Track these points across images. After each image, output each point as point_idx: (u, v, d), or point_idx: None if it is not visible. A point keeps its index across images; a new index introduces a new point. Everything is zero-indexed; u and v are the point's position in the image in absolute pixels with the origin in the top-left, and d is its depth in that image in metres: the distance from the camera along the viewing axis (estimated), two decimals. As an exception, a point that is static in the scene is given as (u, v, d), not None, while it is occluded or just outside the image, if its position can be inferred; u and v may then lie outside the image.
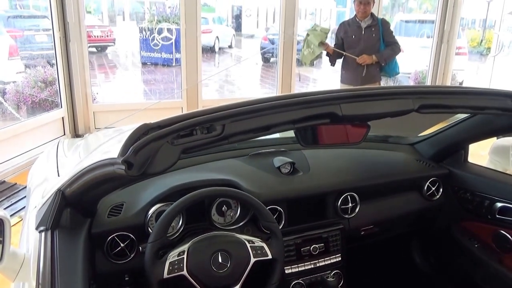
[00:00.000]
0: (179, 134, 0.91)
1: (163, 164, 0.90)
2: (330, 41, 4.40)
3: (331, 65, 4.31)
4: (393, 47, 4.05)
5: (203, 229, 1.44)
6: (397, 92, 1.13)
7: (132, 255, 1.34)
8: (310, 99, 1.02)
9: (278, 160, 1.69)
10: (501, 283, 1.73)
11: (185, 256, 1.23)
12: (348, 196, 1.66)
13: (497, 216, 1.70)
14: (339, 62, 4.25)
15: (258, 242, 1.32)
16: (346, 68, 4.18)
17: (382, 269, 2.35)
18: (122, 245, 1.32)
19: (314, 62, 4.13)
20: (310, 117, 1.02)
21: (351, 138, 1.25)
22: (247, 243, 1.30)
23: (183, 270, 1.21)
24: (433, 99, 1.15)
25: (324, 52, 4.22)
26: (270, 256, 1.31)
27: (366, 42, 4.00)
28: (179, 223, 1.41)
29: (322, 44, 4.13)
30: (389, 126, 1.93)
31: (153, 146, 0.88)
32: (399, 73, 4.24)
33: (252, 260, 1.28)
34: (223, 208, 1.48)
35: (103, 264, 1.31)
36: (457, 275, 1.98)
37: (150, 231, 1.33)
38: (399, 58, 4.17)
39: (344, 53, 4.08)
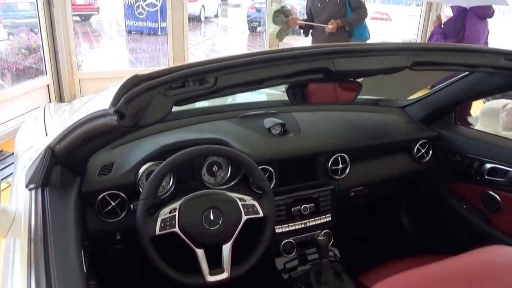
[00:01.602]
0: (171, 85, 0.89)
1: (156, 115, 0.88)
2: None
3: (305, 36, 4.37)
4: (359, 12, 4.04)
5: (194, 188, 1.44)
6: (391, 48, 1.12)
7: (123, 214, 1.34)
8: (303, 53, 1.01)
9: (268, 121, 1.68)
10: (488, 243, 1.76)
11: (176, 213, 1.24)
12: (339, 157, 1.67)
13: (486, 177, 1.72)
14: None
15: (250, 200, 1.33)
16: (314, 36, 4.26)
17: (370, 231, 2.39)
18: (113, 203, 1.32)
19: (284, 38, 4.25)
20: (303, 72, 1.01)
21: (343, 96, 1.24)
22: (238, 201, 1.31)
23: (175, 227, 1.22)
24: (427, 56, 1.14)
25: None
26: (261, 214, 1.32)
27: (331, 9, 4.01)
28: (169, 182, 1.41)
29: (286, 23, 4.21)
30: (379, 88, 1.94)
31: (145, 96, 0.86)
32: (369, 37, 4.24)
33: (244, 217, 1.29)
34: (214, 168, 1.47)
35: (94, 223, 1.31)
36: (444, 236, 2.02)
37: (141, 189, 1.33)
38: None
39: (312, 23, 4.14)
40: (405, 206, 2.22)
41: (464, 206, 1.85)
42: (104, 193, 1.30)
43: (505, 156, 1.66)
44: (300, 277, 1.57)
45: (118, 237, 1.38)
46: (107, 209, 1.32)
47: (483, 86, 1.59)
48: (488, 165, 1.72)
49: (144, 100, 0.86)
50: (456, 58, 1.18)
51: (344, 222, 1.74)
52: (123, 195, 1.33)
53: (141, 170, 1.34)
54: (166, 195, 1.40)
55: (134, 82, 0.87)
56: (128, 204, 1.34)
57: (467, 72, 1.62)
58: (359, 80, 1.22)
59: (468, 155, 1.79)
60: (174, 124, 1.59)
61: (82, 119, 0.99)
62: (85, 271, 1.00)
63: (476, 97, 1.77)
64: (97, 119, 0.93)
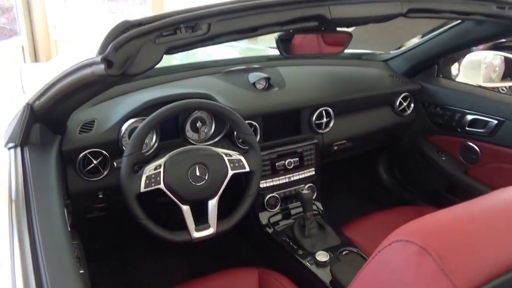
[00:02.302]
0: (162, 32, 0.86)
1: (145, 64, 0.85)
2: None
3: None
4: None
5: (178, 145, 1.42)
6: None
7: (105, 172, 1.32)
8: None
9: (253, 76, 1.66)
10: (465, 193, 1.82)
11: (161, 169, 1.22)
12: (323, 111, 1.67)
13: (466, 128, 1.75)
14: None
15: (236, 155, 1.33)
16: None
17: (351, 184, 2.44)
18: (95, 162, 1.29)
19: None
20: (298, 19, 0.99)
21: (333, 47, 1.23)
22: (224, 156, 1.30)
23: (160, 184, 1.21)
24: (422, 2, 1.13)
25: None
26: (247, 169, 1.32)
27: None
28: (152, 139, 1.39)
29: None
30: (362, 42, 1.92)
31: (134, 43, 0.83)
32: None
33: (230, 172, 1.28)
34: (198, 124, 1.46)
35: (75, 182, 1.29)
36: (423, 188, 2.07)
37: (124, 147, 1.31)
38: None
39: None
40: (384, 160, 2.26)
41: (443, 158, 1.89)
42: (86, 152, 1.27)
43: (485, 107, 1.69)
44: (285, 230, 1.59)
45: (100, 196, 1.36)
46: (89, 168, 1.29)
47: (470, 36, 1.58)
48: (469, 117, 1.74)
49: (134, 47, 0.83)
50: (450, 5, 1.17)
51: (326, 176, 1.77)
52: (105, 153, 1.30)
53: (123, 127, 1.32)
54: (150, 152, 1.38)
55: (123, 28, 0.84)
56: (110, 162, 1.32)
57: (454, 23, 1.61)
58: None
59: (450, 107, 1.81)
60: (156, 80, 1.56)
61: (66, 71, 0.95)
62: (68, 229, 1.00)
63: (462, 48, 1.77)
64: (82, 69, 0.89)
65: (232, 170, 1.29)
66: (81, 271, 1.18)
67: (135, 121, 1.33)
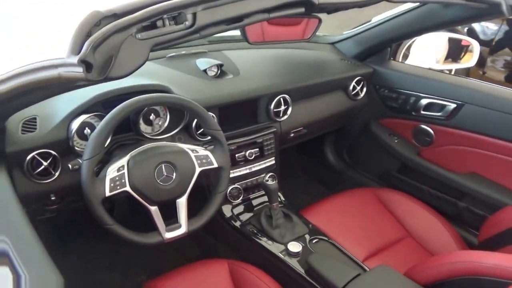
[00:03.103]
0: (142, 25, 0.74)
1: (130, 64, 0.73)
2: None
3: None
4: None
5: (132, 140, 1.30)
6: None
7: (57, 173, 1.17)
8: None
9: (203, 62, 1.54)
10: (417, 173, 1.85)
11: (125, 171, 1.10)
12: (281, 99, 1.59)
13: (422, 112, 1.76)
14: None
15: (202, 151, 1.22)
16: None
17: (300, 169, 2.42)
18: (45, 163, 1.14)
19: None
20: (285, 5, 0.91)
21: (302, 33, 1.15)
22: (190, 152, 1.19)
23: (125, 186, 1.09)
24: None
25: None
26: (215, 165, 1.23)
27: None
28: None
29: None
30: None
31: (114, 40, 0.70)
32: None
33: (198, 169, 1.19)
34: (151, 117, 1.32)
35: (23, 186, 1.14)
36: (373, 169, 2.09)
37: (75, 146, 1.17)
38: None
39: None
40: (331, 143, 2.26)
41: (396, 140, 1.90)
42: (33, 153, 1.12)
43: (443, 90, 1.70)
44: (251, 222, 1.52)
45: (53, 198, 1.22)
46: (38, 170, 1.14)
47: (435, 19, 1.56)
48: (425, 100, 1.75)
49: (114, 44, 0.70)
50: None
51: (281, 163, 1.71)
52: (54, 153, 1.15)
53: (73, 125, 1.16)
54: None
55: (95, 20, 0.69)
56: (61, 163, 1.17)
57: (415, 5, 1.59)
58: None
59: (404, 91, 1.81)
60: None
61: (23, 70, 0.78)
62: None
63: (424, 32, 1.76)
64: (46, 70, 0.74)
65: (199, 167, 1.19)
66: None
67: (87, 118, 1.18)
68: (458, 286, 1.07)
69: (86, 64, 0.68)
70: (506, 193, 1.58)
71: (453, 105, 1.67)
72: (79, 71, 0.68)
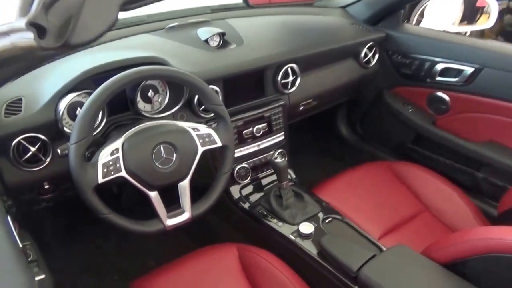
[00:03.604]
0: None
1: (95, 27, 0.62)
2: None
3: None
4: None
5: (130, 120, 1.20)
6: None
7: (48, 159, 1.08)
8: None
9: (204, 32, 1.43)
10: (433, 144, 1.76)
11: (119, 154, 1.01)
12: (289, 69, 1.49)
13: (437, 78, 1.66)
14: None
15: (204, 129, 1.13)
16: None
17: (311, 144, 2.33)
18: (32, 149, 1.05)
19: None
20: None
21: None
22: (191, 131, 1.10)
23: (121, 171, 1.00)
24: None
25: None
26: (219, 144, 1.13)
27: None
28: (99, 116, 1.14)
29: None
30: None
31: None
32: None
33: (200, 149, 1.10)
34: (149, 94, 1.22)
35: (12, 175, 1.05)
36: (387, 141, 2.00)
37: (65, 128, 1.07)
38: None
39: None
40: (343, 115, 2.16)
41: (410, 110, 1.81)
42: (19, 138, 1.03)
43: (460, 54, 1.59)
44: (260, 203, 1.44)
45: (46, 186, 1.14)
46: (26, 157, 1.05)
47: None
48: (441, 65, 1.64)
49: (72, 3, 0.58)
50: None
51: (290, 139, 1.62)
52: (43, 137, 1.06)
53: (61, 105, 1.06)
54: (97, 131, 1.14)
55: None
56: (51, 147, 1.08)
57: None
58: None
59: (418, 56, 1.70)
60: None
61: None
62: (20, 244, 0.78)
63: None
64: None
65: (202, 146, 1.10)
66: (42, 276, 0.98)
67: (76, 96, 1.08)
68: (478, 265, 1.01)
69: (37, 27, 0.56)
70: None
71: (471, 69, 1.56)
72: (29, 37, 0.56)
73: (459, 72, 1.60)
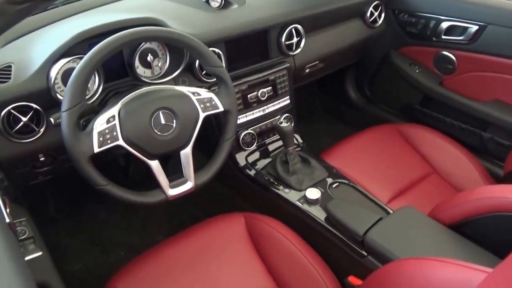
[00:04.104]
0: None
1: None
2: None
3: None
4: None
5: (129, 86, 1.15)
6: None
7: (42, 130, 1.04)
8: None
9: None
10: (440, 105, 1.73)
11: (116, 121, 0.96)
12: (293, 29, 1.43)
13: (443, 37, 1.61)
14: None
15: (205, 93, 1.09)
16: None
17: (319, 108, 2.30)
18: (24, 119, 1.00)
19: None
20: None
21: None
22: (191, 95, 1.06)
23: (118, 140, 0.96)
24: None
25: None
26: (221, 109, 1.09)
27: None
28: (95, 82, 1.10)
29: None
30: None
31: None
32: None
33: (202, 115, 1.06)
34: (149, 58, 1.17)
35: (4, 147, 1.01)
36: (395, 103, 1.97)
37: (59, 96, 1.02)
38: None
39: None
40: (351, 78, 2.11)
41: (417, 70, 1.76)
42: (9, 107, 0.97)
43: (464, 11, 1.54)
44: (266, 169, 1.42)
45: (42, 158, 1.10)
46: (17, 127, 1.00)
47: None
48: (446, 23, 1.59)
49: None
50: None
51: (297, 104, 1.58)
52: (35, 106, 1.01)
53: (53, 71, 1.01)
54: (94, 99, 1.10)
55: None
56: (45, 117, 1.03)
57: None
58: None
59: (424, 14, 1.65)
60: (77, 5, 1.22)
61: None
62: (7, 219, 0.75)
63: None
64: None
65: (203, 111, 1.06)
66: (39, 254, 0.96)
67: (68, 61, 1.03)
68: (483, 224, 1.01)
69: None
70: None
71: (475, 27, 1.52)
72: None
73: (464, 30, 1.55)
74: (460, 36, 1.57)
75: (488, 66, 1.55)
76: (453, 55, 1.63)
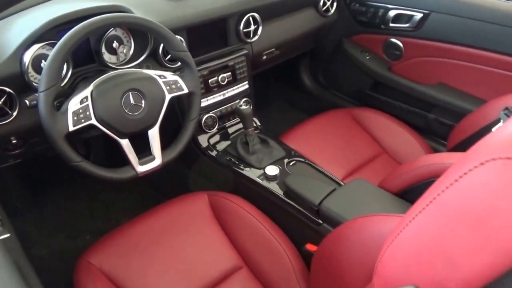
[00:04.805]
0: None
1: None
2: None
3: None
4: None
5: (96, 71, 1.20)
6: None
7: (14, 113, 1.07)
8: None
9: None
10: (389, 89, 1.85)
11: (89, 102, 1.02)
12: (250, 18, 1.50)
13: (390, 24, 1.72)
14: None
15: (170, 76, 1.15)
16: None
17: (275, 95, 2.37)
18: None
19: None
20: None
21: None
22: (158, 78, 1.12)
23: (91, 119, 1.02)
24: None
25: None
26: (186, 90, 1.16)
27: None
28: (64, 67, 1.13)
29: None
30: None
31: None
32: None
33: (168, 96, 1.12)
34: (114, 45, 1.22)
35: None
36: (347, 89, 2.07)
37: (32, 80, 1.06)
38: None
39: None
40: (306, 66, 2.20)
41: (368, 57, 1.87)
42: None
43: (408, 0, 1.65)
44: (227, 150, 1.49)
45: (14, 141, 1.13)
46: None
47: None
48: (393, 12, 1.70)
49: None
50: None
51: (255, 90, 1.66)
52: (9, 90, 1.04)
53: (26, 56, 1.05)
54: (64, 83, 1.14)
55: None
56: (17, 100, 1.07)
57: None
58: None
59: (372, 3, 1.75)
60: None
61: None
62: None
63: None
64: None
65: (169, 93, 1.13)
66: (8, 235, 0.99)
67: (40, 47, 1.07)
68: (424, 190, 1.10)
69: None
70: (472, 101, 1.60)
71: (420, 15, 1.64)
72: None
73: (409, 17, 1.67)
74: (406, 23, 1.68)
75: (432, 51, 1.66)
76: (400, 41, 1.74)
